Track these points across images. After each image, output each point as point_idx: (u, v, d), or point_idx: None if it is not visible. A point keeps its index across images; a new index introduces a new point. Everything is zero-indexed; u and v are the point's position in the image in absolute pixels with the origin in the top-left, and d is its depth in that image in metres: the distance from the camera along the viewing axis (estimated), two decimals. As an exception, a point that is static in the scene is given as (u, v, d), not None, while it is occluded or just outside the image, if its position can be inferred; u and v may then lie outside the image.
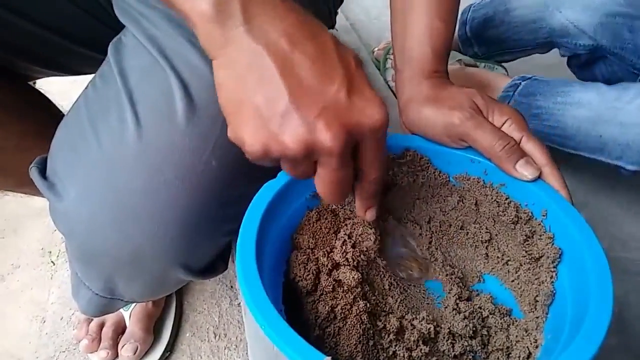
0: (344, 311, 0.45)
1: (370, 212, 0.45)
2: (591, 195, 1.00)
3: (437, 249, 0.54)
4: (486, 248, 0.53)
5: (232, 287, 0.91)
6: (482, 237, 0.52)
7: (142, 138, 0.46)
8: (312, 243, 0.49)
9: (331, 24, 0.82)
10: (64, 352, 0.80)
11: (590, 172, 1.02)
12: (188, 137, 0.47)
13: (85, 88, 0.53)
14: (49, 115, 0.69)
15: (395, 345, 0.44)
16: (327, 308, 0.45)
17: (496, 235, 0.52)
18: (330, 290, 0.46)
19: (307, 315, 0.46)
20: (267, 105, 0.34)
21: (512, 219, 0.49)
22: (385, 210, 0.55)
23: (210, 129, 0.48)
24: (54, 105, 0.72)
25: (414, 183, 0.54)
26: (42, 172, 0.51)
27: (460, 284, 0.51)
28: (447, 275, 0.52)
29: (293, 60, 0.34)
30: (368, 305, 0.45)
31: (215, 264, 0.58)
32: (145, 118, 0.47)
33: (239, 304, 0.87)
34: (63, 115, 0.54)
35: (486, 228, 0.52)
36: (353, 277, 0.46)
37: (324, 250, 0.49)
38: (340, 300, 0.45)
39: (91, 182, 0.47)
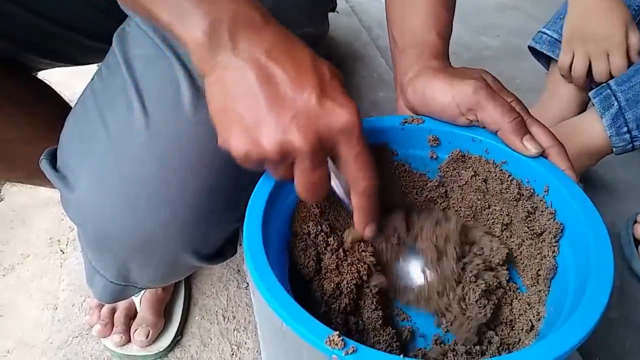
0: (349, 286, 0.46)
1: (369, 228, 0.45)
2: (595, 172, 1.01)
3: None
4: (501, 231, 0.53)
5: (239, 271, 0.92)
6: (502, 220, 0.53)
7: (150, 127, 0.47)
8: (305, 229, 0.50)
9: (332, 7, 0.82)
10: (77, 337, 0.81)
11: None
12: (195, 126, 0.48)
13: (92, 79, 0.53)
14: (57, 107, 0.70)
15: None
16: (332, 285, 0.46)
17: (506, 213, 0.53)
18: (334, 267, 0.48)
19: (314, 293, 0.47)
20: (247, 114, 0.38)
21: (515, 195, 0.50)
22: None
23: None
24: (61, 97, 0.73)
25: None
26: (53, 163, 0.52)
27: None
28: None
29: (271, 73, 0.38)
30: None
31: (224, 248, 0.59)
32: (152, 107, 0.48)
33: (247, 287, 0.89)
34: (70, 106, 0.55)
35: (500, 209, 0.53)
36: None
37: (323, 234, 0.50)
38: (345, 275, 0.47)
39: (102, 172, 0.48)
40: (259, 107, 0.37)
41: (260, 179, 0.47)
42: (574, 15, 0.88)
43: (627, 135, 0.75)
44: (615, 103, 0.75)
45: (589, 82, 0.90)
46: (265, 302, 0.38)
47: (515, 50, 1.38)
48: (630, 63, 0.83)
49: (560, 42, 0.92)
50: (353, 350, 0.34)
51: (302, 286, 0.48)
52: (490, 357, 0.45)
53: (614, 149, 0.77)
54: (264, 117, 0.37)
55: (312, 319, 0.37)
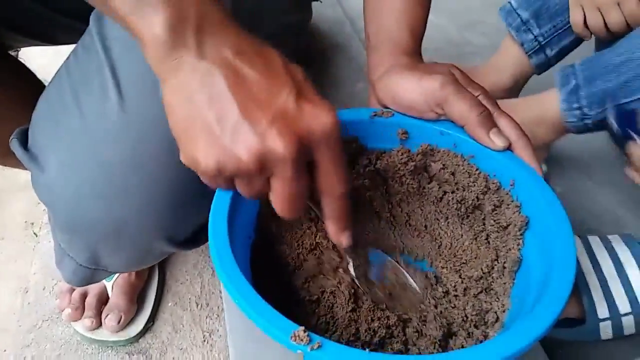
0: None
1: (346, 236, 0.42)
2: (565, 170, 1.02)
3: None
4: (461, 220, 0.54)
5: (214, 258, 0.92)
6: (463, 209, 0.53)
7: (126, 110, 0.46)
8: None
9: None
10: (47, 321, 0.80)
11: (563, 147, 1.03)
12: None
13: (67, 58, 0.52)
14: (31, 86, 0.68)
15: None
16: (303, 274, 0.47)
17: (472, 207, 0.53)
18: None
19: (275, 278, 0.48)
20: (218, 121, 0.34)
21: (482, 189, 0.50)
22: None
23: None
24: (35, 76, 0.71)
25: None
26: (24, 143, 0.51)
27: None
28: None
29: (242, 75, 0.35)
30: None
31: (198, 234, 0.58)
32: (128, 91, 0.47)
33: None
34: (44, 86, 0.54)
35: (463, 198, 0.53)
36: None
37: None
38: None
39: (73, 153, 0.47)
40: (231, 112, 0.34)
41: None
42: None
43: (578, 112, 0.77)
44: (574, 80, 0.78)
45: (610, 35, 0.87)
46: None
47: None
48: None
49: (516, 11, 0.97)
50: (318, 346, 0.34)
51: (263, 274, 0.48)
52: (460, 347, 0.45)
53: (568, 124, 0.80)
54: (238, 123, 0.33)
55: (276, 313, 0.36)
